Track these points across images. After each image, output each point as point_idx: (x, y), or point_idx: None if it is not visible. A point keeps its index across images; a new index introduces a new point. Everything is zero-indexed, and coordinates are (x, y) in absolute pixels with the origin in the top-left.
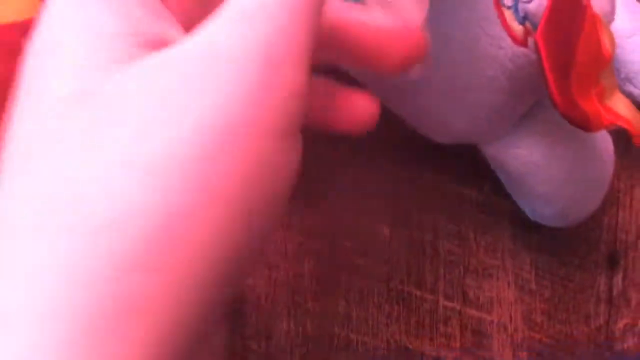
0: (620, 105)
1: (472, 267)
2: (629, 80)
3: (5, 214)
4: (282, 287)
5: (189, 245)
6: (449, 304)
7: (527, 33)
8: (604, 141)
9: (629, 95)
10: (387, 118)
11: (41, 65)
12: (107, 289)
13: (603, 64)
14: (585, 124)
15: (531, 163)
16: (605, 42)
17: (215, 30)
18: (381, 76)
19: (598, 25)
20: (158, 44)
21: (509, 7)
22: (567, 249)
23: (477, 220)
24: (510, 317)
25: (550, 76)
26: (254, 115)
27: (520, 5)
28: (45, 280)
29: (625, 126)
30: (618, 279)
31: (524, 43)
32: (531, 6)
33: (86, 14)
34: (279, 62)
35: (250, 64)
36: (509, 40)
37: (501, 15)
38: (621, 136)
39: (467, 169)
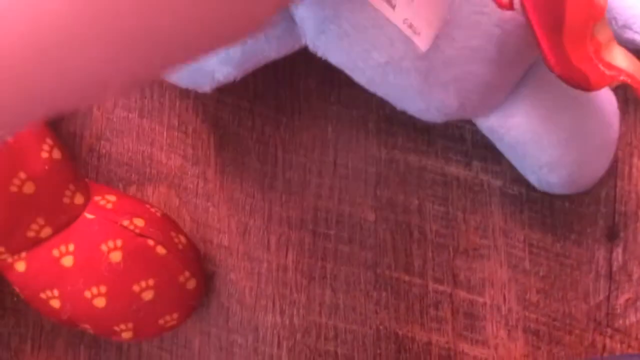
0: (619, 58)
1: (461, 248)
2: (627, 27)
3: None
4: (266, 280)
5: None
6: (439, 288)
7: None
8: (607, 101)
9: (629, 43)
10: (367, 98)
11: None
12: None
13: (596, 16)
14: (584, 83)
15: (531, 131)
16: None
17: None
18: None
19: None
20: None
21: None
22: (563, 224)
23: (465, 200)
24: (504, 298)
25: (541, 37)
26: None
27: None
28: None
29: (628, 79)
30: (618, 252)
31: (509, 6)
32: None
33: None
34: None
35: None
36: (492, 5)
37: None
38: (617, 98)
39: (453, 146)
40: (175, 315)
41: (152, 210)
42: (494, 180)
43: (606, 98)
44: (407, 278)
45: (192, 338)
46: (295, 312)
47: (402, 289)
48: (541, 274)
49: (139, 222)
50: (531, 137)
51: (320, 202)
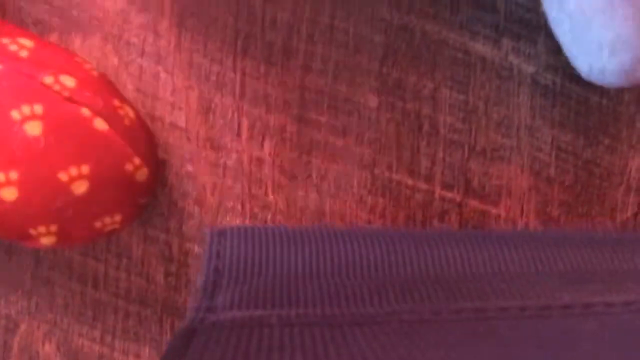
0: None
1: (479, 147)
2: None
3: None
4: (235, 176)
5: None
6: (448, 195)
7: None
8: None
9: None
10: None
11: None
12: None
13: None
14: None
15: None
16: None
17: None
18: None
19: None
20: None
21: None
22: (597, 125)
23: (489, 88)
24: (522, 210)
25: None
26: None
27: None
28: None
29: None
30: None
31: None
32: None
33: None
34: None
35: None
36: None
37: None
38: None
39: (483, 17)
40: (117, 217)
41: (87, 66)
42: (525, 65)
43: None
44: (410, 182)
45: (133, 244)
46: (269, 218)
47: (403, 194)
48: (566, 183)
49: (69, 82)
50: (602, 5)
51: (310, 78)
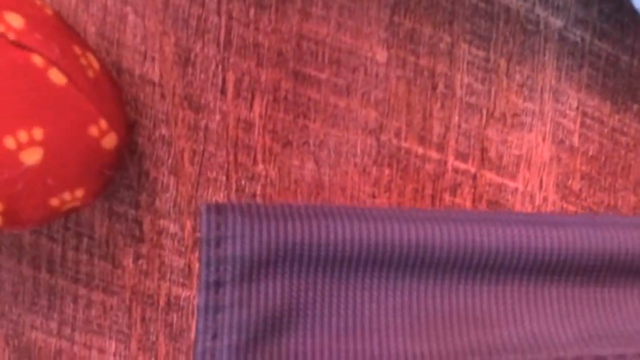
0: None
1: (497, 112)
2: None
3: None
4: (218, 141)
5: None
6: (461, 166)
7: None
8: None
9: None
10: None
11: None
12: None
13: None
14: None
15: None
16: None
17: None
18: None
19: None
20: None
21: None
22: (626, 89)
23: (513, 43)
24: (541, 183)
25: None
26: None
27: None
28: None
29: None
30: None
31: None
32: None
33: None
34: None
35: None
36: None
37: None
38: None
39: None
40: (78, 193)
41: (38, 3)
42: (553, 19)
43: None
44: (420, 150)
45: (96, 222)
46: (259, 192)
47: (413, 165)
48: (590, 153)
49: (15, 21)
50: None
51: (309, 27)
